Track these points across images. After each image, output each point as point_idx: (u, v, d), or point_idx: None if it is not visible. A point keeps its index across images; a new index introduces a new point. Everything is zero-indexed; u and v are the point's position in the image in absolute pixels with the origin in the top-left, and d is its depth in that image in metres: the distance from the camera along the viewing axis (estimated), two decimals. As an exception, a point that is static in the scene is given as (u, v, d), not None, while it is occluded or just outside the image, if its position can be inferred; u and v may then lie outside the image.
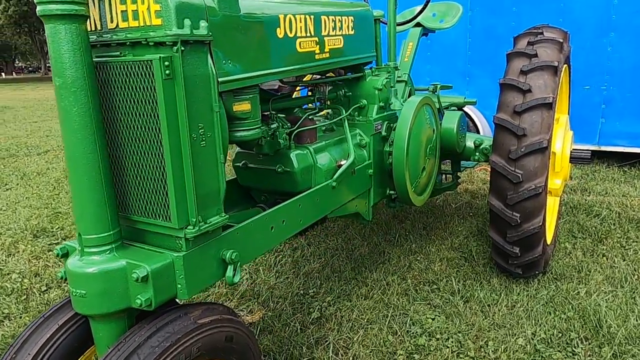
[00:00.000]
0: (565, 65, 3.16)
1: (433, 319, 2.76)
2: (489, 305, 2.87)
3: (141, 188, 1.52)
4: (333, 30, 2.25)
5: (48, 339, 1.54)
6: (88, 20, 1.48)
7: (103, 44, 1.48)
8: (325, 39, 2.20)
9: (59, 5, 1.29)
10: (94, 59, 1.46)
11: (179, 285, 1.52)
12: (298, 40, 1.99)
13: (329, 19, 2.21)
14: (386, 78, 2.68)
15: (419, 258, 3.49)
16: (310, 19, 2.06)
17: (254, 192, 2.44)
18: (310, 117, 2.32)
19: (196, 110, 1.47)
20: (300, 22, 1.99)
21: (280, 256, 3.64)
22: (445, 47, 5.99)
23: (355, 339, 2.61)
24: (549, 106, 2.64)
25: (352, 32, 2.43)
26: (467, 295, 2.98)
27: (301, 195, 2.10)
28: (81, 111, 1.37)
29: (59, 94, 1.36)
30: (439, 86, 3.51)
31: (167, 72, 1.36)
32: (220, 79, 1.57)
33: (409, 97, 3.45)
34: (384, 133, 2.69)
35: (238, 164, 2.30)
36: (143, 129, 1.44)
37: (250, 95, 1.77)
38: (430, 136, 2.84)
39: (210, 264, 1.62)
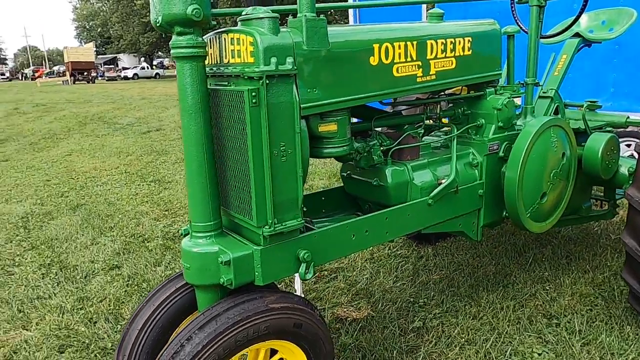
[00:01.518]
0: None
1: (539, 354, 2.60)
2: (612, 354, 2.57)
3: (236, 190, 1.89)
4: (442, 53, 2.31)
5: (167, 297, 2.03)
6: (208, 57, 1.90)
7: (219, 75, 1.89)
8: (432, 62, 2.27)
9: (184, 49, 1.71)
10: (212, 86, 1.87)
11: (256, 273, 1.85)
12: (395, 66, 2.12)
13: (437, 42, 2.27)
14: (508, 98, 2.60)
15: (547, 288, 3.25)
16: (413, 45, 2.17)
17: (360, 200, 2.66)
18: (413, 135, 2.42)
19: (279, 130, 1.76)
20: (400, 48, 2.12)
21: (404, 262, 3.77)
22: (637, 52, 5.19)
23: (448, 354, 2.64)
24: None
25: (469, 53, 2.44)
26: (589, 338, 2.70)
27: (391, 208, 2.24)
28: (196, 128, 1.79)
29: (182, 114, 1.80)
30: (585, 105, 3.18)
31: (254, 100, 1.69)
32: (303, 105, 1.83)
33: (555, 114, 3.21)
34: (501, 154, 2.62)
35: (344, 174, 2.55)
36: (237, 143, 1.80)
37: (338, 118, 2.00)
38: (558, 160, 2.65)
39: (287, 260, 1.91)
